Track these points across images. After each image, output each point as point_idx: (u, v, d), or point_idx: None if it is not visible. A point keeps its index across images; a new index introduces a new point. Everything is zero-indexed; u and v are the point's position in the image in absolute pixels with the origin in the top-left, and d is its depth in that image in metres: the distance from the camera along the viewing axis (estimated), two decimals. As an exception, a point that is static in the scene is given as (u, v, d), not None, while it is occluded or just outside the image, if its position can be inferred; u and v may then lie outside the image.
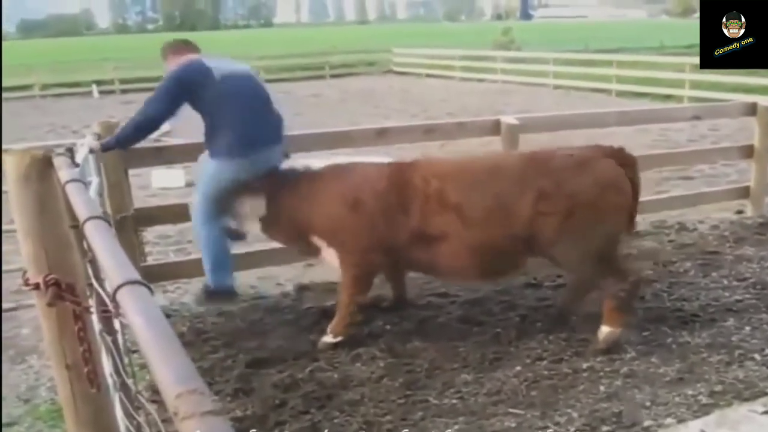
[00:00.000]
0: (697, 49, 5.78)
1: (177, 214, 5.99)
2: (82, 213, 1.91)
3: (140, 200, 5.75)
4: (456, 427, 3.94)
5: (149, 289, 1.33)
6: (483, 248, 4.61)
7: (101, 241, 1.68)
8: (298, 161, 5.10)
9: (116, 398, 2.74)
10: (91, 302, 2.39)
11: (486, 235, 4.57)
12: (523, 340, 4.92)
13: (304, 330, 5.23)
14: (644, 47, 37.31)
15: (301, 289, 6.04)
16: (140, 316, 1.17)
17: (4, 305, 5.75)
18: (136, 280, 1.32)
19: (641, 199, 5.06)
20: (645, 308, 5.38)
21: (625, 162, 4.79)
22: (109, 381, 2.70)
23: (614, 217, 4.70)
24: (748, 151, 7.90)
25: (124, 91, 28.85)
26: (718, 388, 4.22)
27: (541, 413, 4.03)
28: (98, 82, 29.36)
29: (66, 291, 2.29)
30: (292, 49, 43.22)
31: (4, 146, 2.52)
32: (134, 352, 4.02)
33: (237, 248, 5.50)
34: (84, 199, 2.05)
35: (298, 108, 20.64)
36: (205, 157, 5.02)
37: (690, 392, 4.18)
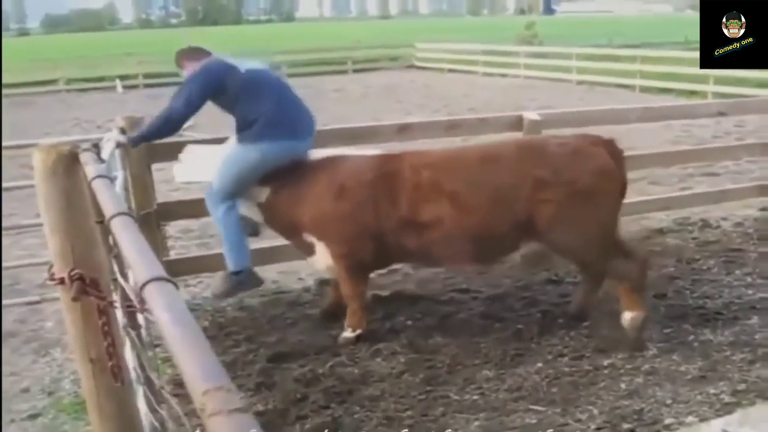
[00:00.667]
0: (723, 44, 5.74)
1: (199, 208, 6.03)
2: (108, 209, 1.93)
3: (163, 194, 5.78)
4: (477, 423, 3.95)
5: (175, 285, 1.35)
6: (477, 235, 4.66)
7: (127, 237, 1.69)
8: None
9: (140, 392, 2.77)
10: (116, 297, 2.42)
11: (482, 222, 4.64)
12: (544, 337, 4.92)
13: (325, 325, 5.25)
14: (669, 42, 37.02)
15: (322, 283, 6.06)
16: (167, 313, 1.18)
17: (29, 298, 5.81)
18: (163, 277, 1.34)
19: (665, 195, 5.05)
20: (667, 305, 5.36)
21: (614, 154, 4.85)
22: (133, 375, 2.73)
23: (609, 203, 4.80)
24: (773, 148, 7.83)
25: (147, 86, 28.96)
26: (741, 386, 4.20)
27: (562, 410, 4.03)
28: (122, 77, 29.54)
29: (90, 286, 2.31)
30: (314, 44, 43.23)
31: (31, 141, 2.56)
32: (157, 346, 4.06)
33: (259, 243, 5.52)
34: (110, 195, 2.07)
35: (321, 103, 20.63)
36: (229, 143, 5.03)
37: (712, 391, 4.16)
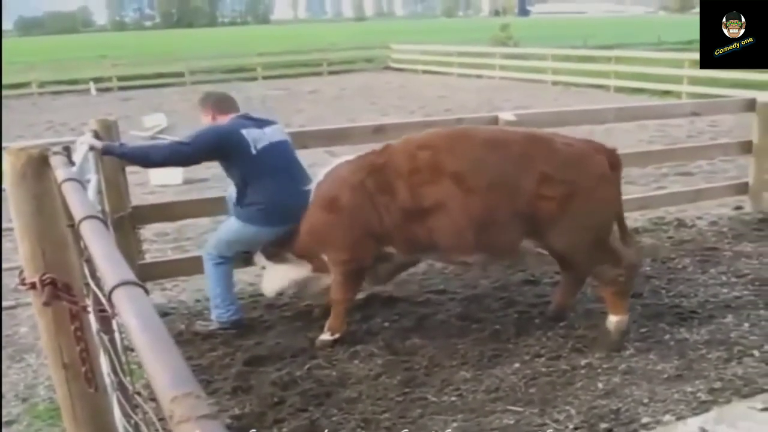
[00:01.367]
0: (696, 45, 5.78)
1: (174, 211, 5.99)
2: (77, 212, 1.90)
3: (138, 198, 5.74)
4: (455, 424, 3.94)
5: (144, 289, 1.33)
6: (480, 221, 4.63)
7: (97, 241, 1.67)
8: None
9: (114, 397, 2.73)
10: (88, 302, 2.38)
11: (486, 210, 4.60)
12: (521, 337, 4.92)
13: (302, 328, 5.22)
14: (642, 43, 37.29)
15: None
16: (135, 318, 1.16)
17: (4, 303, 5.74)
18: (132, 281, 1.31)
19: (640, 195, 5.06)
20: (643, 305, 5.38)
21: (613, 163, 4.82)
22: (107, 380, 2.70)
23: (607, 208, 4.80)
24: (746, 147, 7.90)
25: (121, 88, 28.85)
26: (717, 385, 4.22)
27: (540, 410, 4.03)
28: (96, 80, 29.36)
29: (62, 290, 2.28)
30: (289, 46, 43.18)
31: (4, 144, 2.52)
32: (131, 351, 4.02)
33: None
34: (80, 198, 2.04)
35: (297, 104, 20.67)
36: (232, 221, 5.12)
37: (689, 389, 4.18)
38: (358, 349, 4.83)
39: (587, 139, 4.99)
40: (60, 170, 2.29)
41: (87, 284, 2.38)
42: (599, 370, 4.43)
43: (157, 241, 7.47)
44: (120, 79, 29.77)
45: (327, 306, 5.15)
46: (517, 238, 4.75)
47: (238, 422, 4.03)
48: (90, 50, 48.88)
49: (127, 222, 5.46)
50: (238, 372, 4.58)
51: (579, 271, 5.07)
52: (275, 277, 5.20)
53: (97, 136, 4.99)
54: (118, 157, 5.00)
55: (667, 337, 4.87)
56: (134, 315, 1.17)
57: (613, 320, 4.74)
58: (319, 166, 5.32)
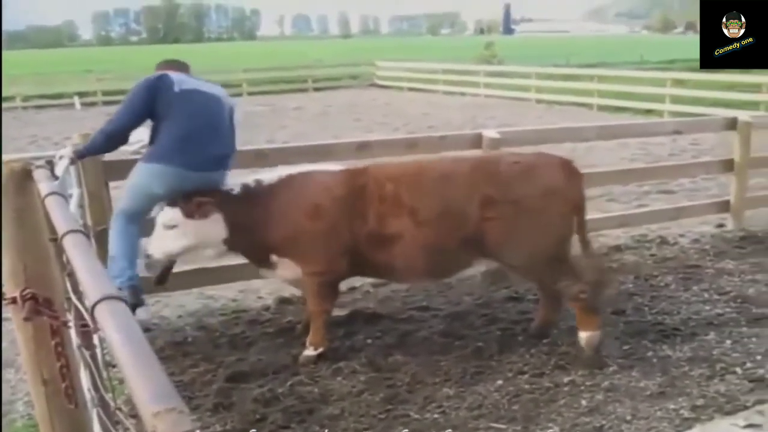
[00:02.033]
0: (678, 65, 5.83)
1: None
2: (60, 226, 1.89)
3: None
4: (437, 441, 3.93)
5: (126, 304, 1.32)
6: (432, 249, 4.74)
7: (79, 255, 1.66)
8: (249, 177, 5.06)
9: (94, 414, 2.71)
10: (70, 316, 2.37)
11: (435, 237, 4.70)
12: (504, 354, 4.91)
13: (284, 344, 5.20)
14: (625, 62, 37.59)
15: (282, 302, 6.02)
16: (118, 333, 1.15)
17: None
18: (114, 296, 1.31)
19: (622, 213, 5.06)
20: (626, 322, 5.39)
21: (571, 174, 4.88)
22: (87, 396, 2.67)
23: (557, 222, 4.82)
24: (728, 165, 7.97)
25: (106, 103, 28.67)
26: (700, 402, 4.23)
27: (523, 427, 4.02)
28: (81, 94, 29.25)
29: (43, 305, 2.26)
30: (275, 62, 43.23)
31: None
32: (113, 366, 3.99)
33: (219, 261, 5.46)
34: (63, 212, 2.03)
35: (281, 120, 20.68)
36: (138, 165, 4.96)
37: (671, 406, 4.18)
38: (341, 365, 4.80)
39: (540, 153, 5.07)
40: (43, 184, 2.28)
41: (68, 299, 2.37)
42: (582, 388, 4.43)
43: (139, 257, 7.42)
44: (105, 93, 29.63)
45: (307, 322, 5.14)
46: (466, 262, 4.92)
47: (219, 439, 4.00)
48: (75, 65, 48.77)
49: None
50: (219, 388, 4.55)
51: (544, 287, 5.14)
52: (180, 239, 4.95)
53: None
54: (87, 155, 4.93)
55: (650, 354, 4.87)
56: (116, 329, 1.16)
57: (583, 336, 4.78)
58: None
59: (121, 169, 5.45)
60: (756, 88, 18.75)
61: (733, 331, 5.23)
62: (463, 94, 28.26)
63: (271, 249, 4.88)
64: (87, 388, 2.70)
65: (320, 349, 4.90)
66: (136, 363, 1.05)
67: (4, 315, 5.31)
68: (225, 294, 6.09)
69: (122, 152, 5.19)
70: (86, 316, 1.79)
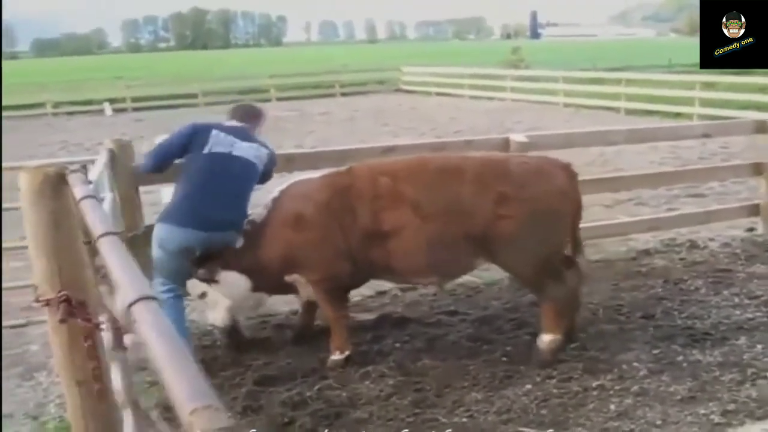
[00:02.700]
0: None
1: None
2: (96, 229, 1.92)
3: (151, 217, 5.75)
4: (466, 445, 3.92)
5: (162, 305, 1.34)
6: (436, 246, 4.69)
7: (115, 256, 1.68)
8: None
9: (126, 415, 2.74)
10: (102, 319, 2.40)
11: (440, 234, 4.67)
12: (533, 357, 4.90)
13: (312, 347, 5.22)
14: (653, 65, 37.34)
15: (310, 306, 6.03)
16: (154, 332, 1.17)
17: (13, 321, 5.77)
18: (151, 296, 1.33)
19: (651, 216, 5.03)
20: (655, 326, 5.36)
21: (572, 177, 4.93)
22: (119, 398, 2.70)
23: (563, 224, 4.89)
24: (758, 169, 7.88)
25: (136, 109, 29.03)
26: (731, 407, 4.19)
27: (552, 432, 4.01)
28: (110, 100, 29.56)
29: (77, 308, 2.30)
30: (302, 68, 43.41)
31: (17, 163, 2.55)
32: (144, 369, 4.03)
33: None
34: (98, 215, 2.06)
35: (309, 126, 20.75)
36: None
37: (702, 411, 4.15)
38: (369, 369, 4.81)
39: (543, 156, 5.14)
40: (78, 188, 2.32)
41: (101, 301, 2.40)
42: (611, 392, 4.41)
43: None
44: (134, 100, 29.98)
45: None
46: (470, 260, 4.91)
47: (248, 442, 4.02)
48: (105, 71, 49.22)
49: (140, 240, 5.47)
50: (248, 392, 4.58)
51: (529, 287, 5.18)
52: (219, 304, 5.07)
53: (112, 155, 5.04)
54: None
55: (680, 358, 4.84)
56: (153, 329, 1.18)
57: (545, 339, 4.81)
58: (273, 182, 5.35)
59: (153, 175, 5.53)
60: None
61: (764, 335, 5.18)
62: (490, 98, 28.21)
63: (280, 273, 4.93)
64: (119, 390, 2.73)
65: (346, 353, 4.92)
66: (173, 362, 1.07)
67: (37, 318, 5.40)
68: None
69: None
70: (119, 317, 1.82)
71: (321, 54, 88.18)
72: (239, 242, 4.93)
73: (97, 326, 2.37)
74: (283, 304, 6.11)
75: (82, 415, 2.51)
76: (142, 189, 5.57)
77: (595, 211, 8.86)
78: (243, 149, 4.99)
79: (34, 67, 69.97)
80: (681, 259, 7.11)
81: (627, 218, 7.85)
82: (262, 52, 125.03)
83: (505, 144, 6.27)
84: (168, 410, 3.63)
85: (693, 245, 7.53)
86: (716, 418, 4.07)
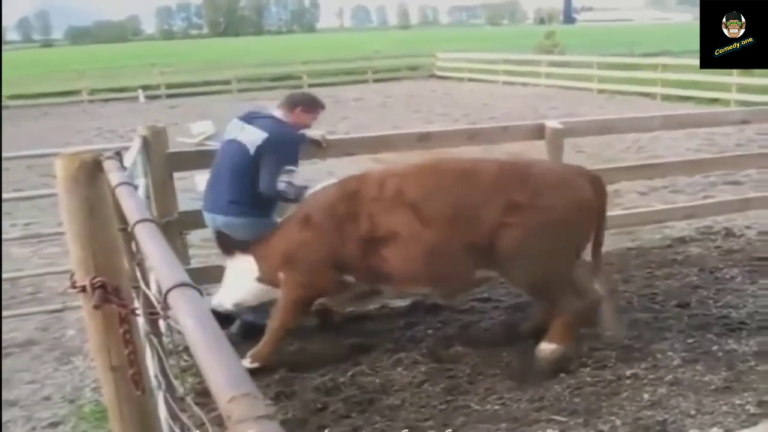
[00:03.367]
0: (744, 52, 5.74)
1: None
2: (132, 215, 1.93)
3: (185, 203, 5.80)
4: (498, 433, 3.92)
5: (200, 292, 1.35)
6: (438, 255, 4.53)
7: (152, 243, 1.69)
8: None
9: (161, 400, 2.76)
10: (137, 304, 2.41)
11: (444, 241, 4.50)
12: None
13: (345, 334, 5.23)
14: (689, 50, 36.83)
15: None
16: (192, 319, 1.17)
17: (52, 306, 5.85)
18: (188, 283, 1.33)
19: (687, 204, 4.93)
20: (690, 315, 5.31)
21: (598, 189, 4.71)
22: (154, 383, 2.73)
23: (583, 235, 4.69)
24: (797, 156, 7.77)
25: (169, 96, 29.23)
26: (766, 397, 4.14)
27: (584, 420, 3.99)
28: (144, 87, 29.79)
29: (112, 293, 2.31)
30: (335, 54, 43.40)
31: (54, 150, 2.57)
32: (179, 353, 4.06)
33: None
34: (134, 201, 2.07)
35: (343, 112, 20.76)
36: None
37: (737, 401, 4.11)
38: (402, 356, 4.82)
39: (572, 165, 4.98)
40: (114, 174, 2.33)
41: (136, 287, 2.42)
42: (645, 381, 4.38)
43: (203, 247, 7.53)
44: (168, 86, 30.19)
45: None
46: (470, 271, 4.65)
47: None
48: (139, 59, 49.51)
49: (174, 227, 5.52)
50: (281, 377, 4.61)
51: (542, 301, 4.95)
52: (228, 287, 5.10)
53: (145, 142, 5.08)
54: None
55: (714, 348, 4.79)
56: (190, 316, 1.18)
57: (547, 348, 4.59)
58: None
59: (187, 160, 5.56)
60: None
61: (801, 325, 5.12)
62: (524, 84, 28.03)
63: (277, 267, 4.93)
64: (153, 375, 2.75)
65: (256, 364, 4.72)
66: (211, 349, 1.08)
67: (71, 304, 5.46)
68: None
69: (182, 144, 5.30)
70: (156, 303, 1.83)
71: (354, 40, 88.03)
72: (248, 227, 5.00)
73: (132, 311, 2.39)
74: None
75: (117, 400, 2.54)
76: (176, 175, 5.60)
77: (630, 198, 8.80)
78: (246, 133, 5.08)
79: (69, 54, 70.56)
80: (717, 247, 7.04)
81: (662, 206, 7.77)
82: (295, 38, 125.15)
83: (540, 130, 6.21)
84: (202, 396, 3.66)
85: (729, 233, 7.45)
86: (752, 409, 4.04)
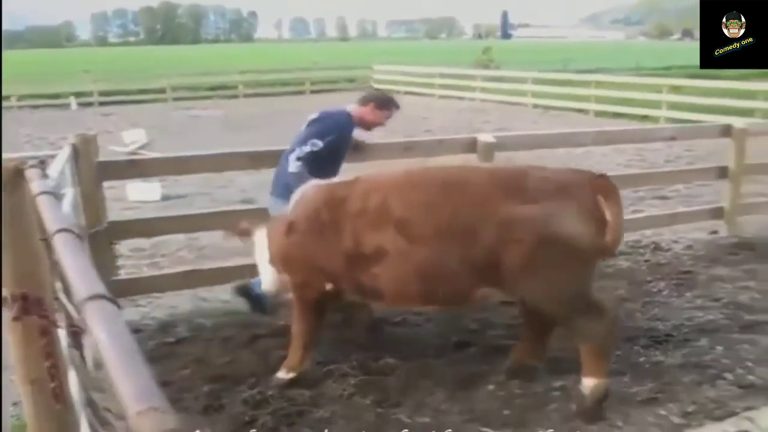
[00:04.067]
0: (674, 71, 5.85)
1: (151, 227, 5.95)
2: (51, 225, 1.88)
3: (115, 213, 5.70)
4: (428, 445, 3.92)
5: (115, 303, 1.32)
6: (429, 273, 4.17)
7: (69, 254, 1.65)
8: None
9: (83, 414, 2.70)
10: (59, 317, 2.36)
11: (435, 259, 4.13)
12: (497, 358, 4.90)
13: (275, 346, 5.18)
14: (621, 68, 37.64)
15: (275, 304, 6.00)
16: (104, 331, 1.15)
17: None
18: (102, 295, 1.30)
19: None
20: (618, 327, 5.38)
21: (606, 190, 4.09)
22: (76, 397, 2.67)
23: (592, 247, 4.05)
24: (722, 172, 7.98)
25: (103, 104, 28.73)
26: (691, 408, 4.23)
27: (514, 432, 4.02)
28: (77, 94, 29.22)
29: (33, 305, 2.26)
30: (273, 65, 43.24)
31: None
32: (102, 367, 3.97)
33: (210, 263, 5.47)
34: (54, 211, 2.02)
35: (277, 122, 20.63)
36: None
37: (662, 412, 4.19)
38: (332, 368, 4.79)
39: (574, 169, 4.44)
40: (35, 183, 2.28)
41: (57, 299, 2.37)
42: (573, 392, 4.43)
43: (133, 257, 7.42)
44: (101, 94, 29.66)
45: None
46: (469, 289, 4.23)
47: (210, 441, 3.99)
48: (73, 65, 48.67)
49: (103, 237, 5.42)
50: (209, 390, 4.54)
51: (560, 324, 4.42)
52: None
53: (75, 150, 4.98)
54: None
55: (642, 359, 4.88)
56: (103, 329, 1.16)
57: (588, 384, 4.16)
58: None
59: (117, 170, 5.47)
60: (751, 95, 18.80)
61: (724, 337, 5.25)
62: (460, 98, 28.25)
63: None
64: (76, 389, 2.69)
65: (292, 375, 4.60)
66: (121, 362, 1.05)
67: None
68: (218, 296, 6.08)
69: (117, 153, 5.21)
70: (74, 315, 1.79)
71: (292, 51, 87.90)
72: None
73: (53, 324, 2.33)
74: (244, 303, 6.07)
75: (36, 414, 2.48)
76: (106, 185, 5.50)
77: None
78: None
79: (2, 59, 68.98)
80: (645, 260, 7.18)
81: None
82: (233, 47, 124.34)
83: (473, 144, 6.29)
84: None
85: (657, 247, 7.60)
86: (676, 419, 4.12)
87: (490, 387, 4.54)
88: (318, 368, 4.79)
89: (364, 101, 5.52)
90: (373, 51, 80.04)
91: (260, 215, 5.28)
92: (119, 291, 5.34)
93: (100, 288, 1.37)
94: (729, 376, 4.65)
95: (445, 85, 30.31)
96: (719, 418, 4.05)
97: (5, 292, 2.29)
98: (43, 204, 2.12)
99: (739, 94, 19.29)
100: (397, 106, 5.67)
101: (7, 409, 4.37)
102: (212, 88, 31.96)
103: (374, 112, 5.49)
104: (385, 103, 5.58)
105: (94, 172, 5.31)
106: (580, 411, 4.17)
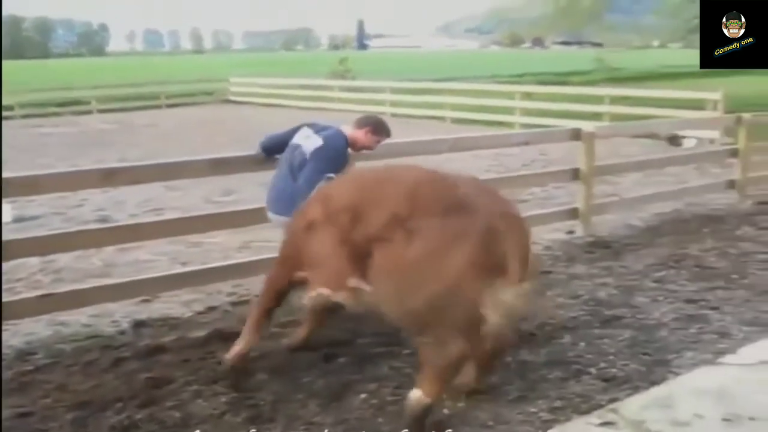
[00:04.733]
0: (526, 78, 5.98)
1: (5, 250, 5.66)
2: None
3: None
4: (303, 459, 3.87)
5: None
6: None
7: None
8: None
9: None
10: None
11: None
12: (367, 367, 4.91)
13: (140, 368, 5.01)
14: (476, 76, 38.59)
15: (138, 325, 5.82)
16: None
17: None
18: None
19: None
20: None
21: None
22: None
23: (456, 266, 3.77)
24: (575, 174, 8.28)
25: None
26: (558, 403, 4.36)
27: (389, 439, 4.02)
28: None
29: None
30: (126, 78, 42.07)
31: None
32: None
33: (68, 286, 5.23)
34: None
35: (132, 138, 20.11)
36: None
37: (532, 409, 4.29)
38: (201, 388, 4.67)
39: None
40: None
41: None
42: (444, 395, 4.46)
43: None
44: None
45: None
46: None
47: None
48: None
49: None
50: (74, 418, 4.34)
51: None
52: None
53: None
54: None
55: (508, 359, 4.97)
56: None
57: (415, 396, 3.94)
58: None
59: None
60: (599, 100, 19.64)
61: (586, 333, 5.44)
62: (318, 109, 28.25)
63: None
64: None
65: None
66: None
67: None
68: (77, 319, 5.83)
69: None
70: None
71: (146, 64, 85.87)
72: None
73: None
74: (108, 325, 5.87)
75: None
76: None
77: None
78: (310, 141, 5.36)
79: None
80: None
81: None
82: (84, 61, 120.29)
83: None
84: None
85: (516, 248, 7.77)
86: (545, 416, 4.22)
87: (363, 396, 4.53)
88: (187, 388, 4.67)
89: (360, 124, 5.64)
90: (230, 63, 79.17)
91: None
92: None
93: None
94: (593, 370, 4.81)
95: (303, 96, 30.20)
96: (586, 412, 4.15)
97: None
98: None
99: (588, 99, 20.11)
100: (388, 134, 5.85)
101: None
102: (62, 104, 30.72)
103: (368, 136, 5.61)
104: (380, 129, 5.74)
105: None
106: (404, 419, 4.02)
